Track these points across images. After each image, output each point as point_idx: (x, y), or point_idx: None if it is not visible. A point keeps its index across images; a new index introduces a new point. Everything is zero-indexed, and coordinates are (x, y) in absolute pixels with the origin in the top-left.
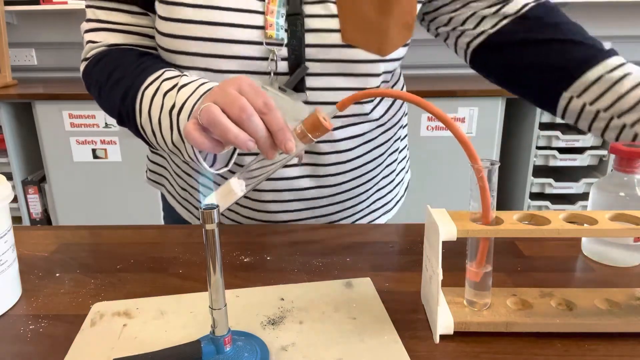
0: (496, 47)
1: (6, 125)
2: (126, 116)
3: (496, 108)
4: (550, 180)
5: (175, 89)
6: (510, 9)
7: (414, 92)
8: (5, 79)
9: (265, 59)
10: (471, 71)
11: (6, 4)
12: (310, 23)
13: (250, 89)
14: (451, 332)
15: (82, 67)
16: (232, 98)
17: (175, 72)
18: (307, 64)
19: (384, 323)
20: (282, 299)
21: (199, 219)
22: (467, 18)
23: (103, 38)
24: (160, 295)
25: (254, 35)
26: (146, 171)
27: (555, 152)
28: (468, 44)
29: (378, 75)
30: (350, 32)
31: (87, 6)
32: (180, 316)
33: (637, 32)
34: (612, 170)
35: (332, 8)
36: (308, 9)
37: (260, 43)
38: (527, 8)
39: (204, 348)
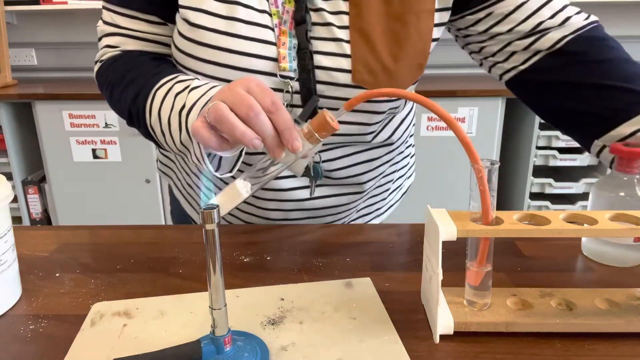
0: (528, 82)
1: (6, 125)
2: (136, 116)
3: (496, 108)
4: (550, 180)
5: (187, 91)
6: (543, 44)
7: (415, 92)
8: (5, 79)
9: (280, 90)
10: (471, 71)
11: (6, 4)
12: (321, 60)
13: (258, 88)
14: (451, 332)
15: (95, 68)
16: (240, 97)
17: (189, 76)
18: (316, 98)
19: (384, 323)
20: (282, 299)
21: None
22: (497, 51)
23: (120, 43)
24: (160, 295)
25: (269, 66)
26: (157, 160)
27: (555, 152)
28: (501, 76)
29: (383, 112)
30: (362, 73)
31: (105, 8)
32: (180, 316)
33: (637, 32)
34: (612, 170)
35: (346, 48)
36: (320, 45)
37: (274, 75)
38: (563, 42)
39: (204, 348)
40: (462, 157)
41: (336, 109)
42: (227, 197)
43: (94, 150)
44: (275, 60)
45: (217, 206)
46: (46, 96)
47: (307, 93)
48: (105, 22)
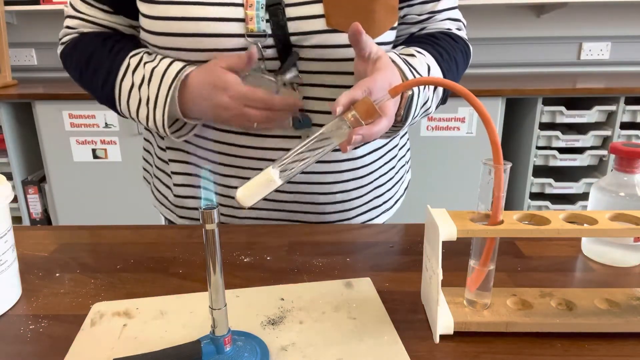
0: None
1: (6, 125)
2: (107, 101)
3: (496, 108)
4: (550, 180)
5: (145, 83)
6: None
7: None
8: (5, 79)
9: (245, 49)
10: (471, 71)
11: (6, 4)
12: (292, 11)
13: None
14: (451, 332)
15: (59, 49)
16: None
17: (137, 59)
18: (296, 53)
19: (384, 323)
20: (282, 299)
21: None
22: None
23: (78, 26)
24: (160, 295)
25: (236, 28)
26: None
27: (555, 152)
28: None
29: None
30: (335, 17)
31: None
32: (180, 316)
33: (637, 32)
34: (612, 170)
35: None
36: None
37: (242, 36)
38: (433, 31)
39: (204, 348)
40: (461, 158)
41: (314, 60)
42: (258, 185)
43: (94, 150)
44: (242, 21)
45: (217, 206)
46: (46, 96)
47: (284, 49)
48: (70, 4)
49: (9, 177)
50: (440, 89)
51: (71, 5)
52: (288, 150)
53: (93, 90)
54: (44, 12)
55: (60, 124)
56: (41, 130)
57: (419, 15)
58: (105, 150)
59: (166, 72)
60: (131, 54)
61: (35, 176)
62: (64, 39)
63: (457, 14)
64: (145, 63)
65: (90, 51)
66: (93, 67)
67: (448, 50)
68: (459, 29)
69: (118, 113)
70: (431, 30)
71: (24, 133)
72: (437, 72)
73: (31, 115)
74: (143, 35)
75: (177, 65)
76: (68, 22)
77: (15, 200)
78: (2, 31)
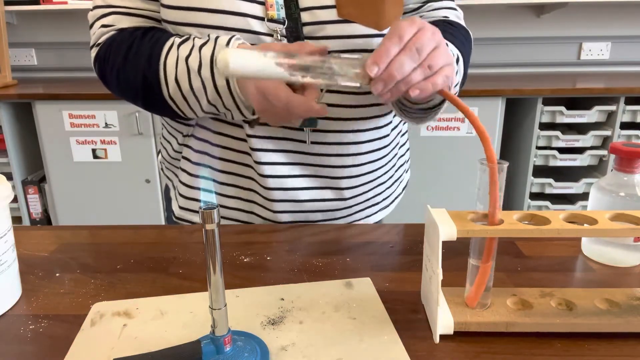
0: None
1: (6, 125)
2: (152, 94)
3: (496, 108)
4: (550, 180)
5: (196, 50)
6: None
7: None
8: (5, 79)
9: (268, 34)
10: (471, 71)
11: (6, 4)
12: (305, 2)
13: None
14: (451, 332)
15: (93, 53)
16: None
17: (181, 38)
18: (307, 42)
19: (384, 323)
20: (282, 299)
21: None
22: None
23: (115, 21)
24: (160, 295)
25: (257, 10)
26: (161, 168)
27: (555, 152)
28: None
29: None
30: (346, 7)
31: None
32: (180, 316)
33: (637, 32)
34: (612, 170)
35: None
36: None
37: (262, 18)
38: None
39: (204, 348)
40: (462, 158)
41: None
42: (256, 58)
43: (94, 150)
44: (262, 4)
45: (217, 206)
46: (46, 96)
47: (295, 41)
48: (97, 7)
49: (9, 177)
50: (461, 74)
51: (100, 6)
52: (288, 151)
53: (134, 86)
54: (44, 12)
55: (60, 124)
56: (41, 130)
57: (415, 3)
58: (105, 150)
59: (218, 38)
60: (175, 36)
61: (35, 176)
62: (100, 40)
63: (452, 3)
64: (194, 38)
65: (128, 44)
66: (133, 58)
67: (462, 40)
68: (458, 17)
69: (167, 112)
70: (432, 18)
71: (24, 133)
72: (460, 60)
73: (31, 115)
74: (164, 13)
75: (226, 35)
76: (102, 21)
77: (15, 200)
78: (2, 31)
